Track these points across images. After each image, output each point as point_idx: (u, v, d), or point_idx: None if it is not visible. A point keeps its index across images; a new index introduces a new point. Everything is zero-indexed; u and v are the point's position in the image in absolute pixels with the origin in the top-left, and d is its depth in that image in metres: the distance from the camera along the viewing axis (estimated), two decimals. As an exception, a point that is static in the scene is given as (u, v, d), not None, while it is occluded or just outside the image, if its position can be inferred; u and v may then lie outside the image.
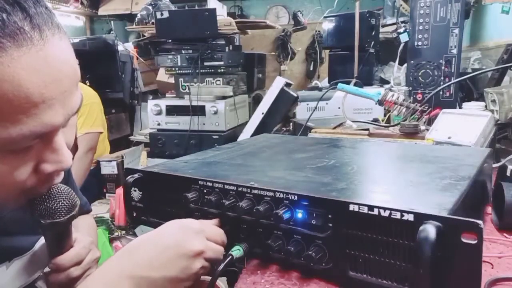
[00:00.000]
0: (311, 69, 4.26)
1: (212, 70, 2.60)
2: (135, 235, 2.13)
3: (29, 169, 0.49)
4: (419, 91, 1.67)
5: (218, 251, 0.59)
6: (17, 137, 0.44)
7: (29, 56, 0.43)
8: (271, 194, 0.59)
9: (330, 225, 0.54)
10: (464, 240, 0.44)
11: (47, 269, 0.68)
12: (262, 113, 1.99)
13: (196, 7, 3.23)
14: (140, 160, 2.61)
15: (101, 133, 2.41)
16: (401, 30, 1.79)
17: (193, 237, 0.56)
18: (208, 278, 0.60)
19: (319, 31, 3.96)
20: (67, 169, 0.54)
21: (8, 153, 0.46)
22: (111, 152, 2.69)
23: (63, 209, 0.57)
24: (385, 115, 1.63)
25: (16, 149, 0.47)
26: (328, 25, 2.70)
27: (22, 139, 0.45)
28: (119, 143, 3.33)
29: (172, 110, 2.57)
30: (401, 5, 2.53)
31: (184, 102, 2.52)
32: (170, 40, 2.68)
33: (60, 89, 0.46)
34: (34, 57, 0.43)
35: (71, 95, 0.49)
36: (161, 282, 0.53)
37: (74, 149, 2.38)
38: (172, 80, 2.86)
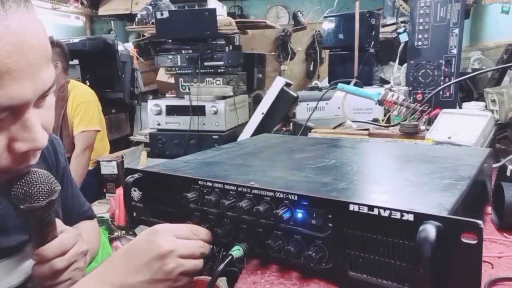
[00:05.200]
0: (311, 69, 4.26)
1: (212, 70, 2.61)
2: (135, 235, 2.13)
3: (1, 145, 0.49)
4: (419, 91, 1.67)
5: (192, 246, 0.61)
6: None
7: None
8: (271, 194, 0.59)
9: (330, 225, 0.54)
10: (464, 240, 0.44)
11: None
12: (262, 113, 1.99)
13: (196, 7, 3.24)
14: (140, 160, 2.61)
15: (98, 131, 2.41)
16: (401, 30, 1.78)
17: (160, 239, 0.59)
18: (208, 278, 0.60)
19: (319, 31, 3.97)
20: (41, 149, 0.54)
21: None
22: (111, 152, 2.69)
23: (41, 193, 0.57)
24: (385, 115, 1.63)
25: None
26: (328, 25, 2.70)
27: None
28: (119, 143, 3.33)
29: (172, 110, 2.57)
30: (401, 5, 2.53)
31: (184, 102, 2.52)
32: (170, 40, 2.68)
33: (26, 60, 0.45)
34: None
35: (40, 69, 0.48)
36: (139, 286, 0.57)
37: (71, 148, 2.39)
38: (172, 80, 2.86)
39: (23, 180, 0.56)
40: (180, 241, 0.60)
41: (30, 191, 0.56)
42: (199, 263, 0.61)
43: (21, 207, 0.56)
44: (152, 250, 0.57)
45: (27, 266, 0.68)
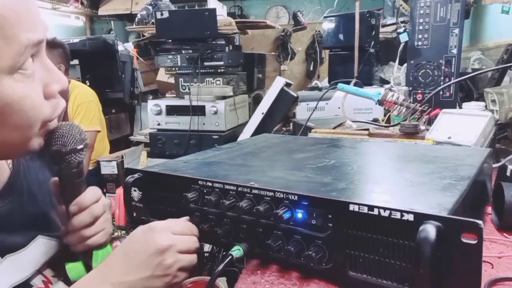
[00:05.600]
0: (311, 69, 4.27)
1: (212, 70, 2.61)
2: (135, 235, 2.13)
3: (40, 94, 0.55)
4: (419, 91, 1.67)
5: (189, 241, 0.63)
6: (20, 49, 0.50)
7: None
8: (271, 194, 0.59)
9: (330, 225, 0.54)
10: (464, 240, 0.44)
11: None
12: (262, 113, 1.99)
13: (196, 7, 3.24)
14: (140, 160, 2.61)
15: (98, 131, 2.41)
16: (401, 30, 1.78)
17: (158, 235, 0.61)
18: (208, 278, 0.60)
19: (319, 31, 3.97)
20: (66, 89, 0.60)
21: (23, 77, 0.52)
22: (111, 152, 2.69)
23: (77, 138, 0.64)
24: (385, 115, 1.63)
25: (25, 74, 0.52)
26: (328, 25, 2.70)
27: (26, 49, 0.51)
28: (119, 143, 3.33)
29: (172, 110, 2.57)
30: (401, 5, 2.53)
31: (184, 102, 2.52)
32: (170, 40, 2.68)
33: (32, 6, 0.53)
34: None
35: (39, 14, 0.55)
36: (140, 283, 0.59)
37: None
38: (172, 80, 2.86)
39: (58, 131, 0.62)
40: (177, 236, 0.62)
41: (68, 136, 0.63)
42: (194, 258, 0.63)
43: (64, 150, 0.62)
44: (151, 247, 0.59)
45: (33, 261, 0.68)
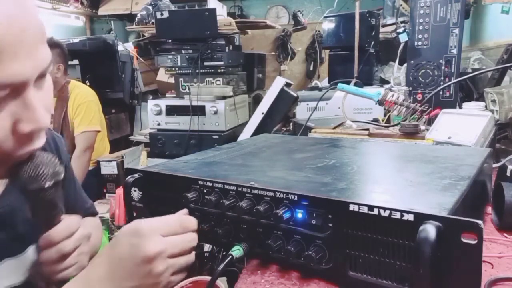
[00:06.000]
0: (311, 69, 4.26)
1: (212, 70, 2.61)
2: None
3: (6, 128, 0.49)
4: (419, 91, 1.67)
5: (182, 242, 0.56)
6: None
7: None
8: (271, 194, 0.59)
9: (330, 225, 0.54)
10: (464, 240, 0.44)
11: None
12: (262, 113, 1.99)
13: (196, 7, 3.24)
14: (140, 160, 2.61)
15: (99, 131, 2.41)
16: (400, 30, 1.79)
17: (145, 241, 0.53)
18: (208, 278, 0.60)
19: (319, 31, 3.97)
20: (44, 129, 0.55)
21: None
22: (111, 152, 2.69)
23: (47, 174, 0.59)
24: (385, 115, 1.63)
25: None
26: (328, 25, 2.70)
27: None
28: (119, 143, 3.33)
29: (172, 110, 2.57)
30: (401, 5, 2.53)
31: (184, 102, 2.52)
32: (170, 40, 2.68)
33: (25, 38, 0.46)
34: None
35: (37, 48, 0.49)
36: None
37: (72, 148, 2.39)
38: (172, 80, 2.86)
39: (29, 163, 0.58)
40: (168, 239, 0.55)
41: (37, 172, 0.58)
42: (190, 257, 0.57)
43: (29, 188, 0.58)
44: (137, 255, 0.52)
45: (29, 266, 0.68)
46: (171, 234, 0.56)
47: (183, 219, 0.59)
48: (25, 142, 0.53)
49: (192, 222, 0.59)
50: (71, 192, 0.87)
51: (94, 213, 0.97)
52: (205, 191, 0.67)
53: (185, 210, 0.63)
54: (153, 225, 0.55)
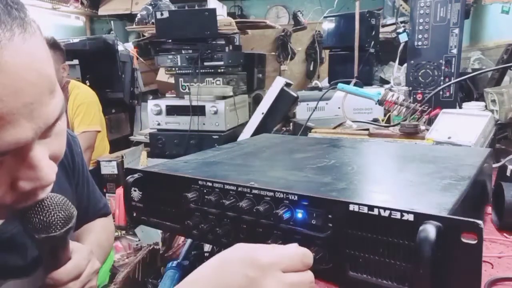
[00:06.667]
0: (311, 69, 4.26)
1: (212, 70, 2.61)
2: (135, 235, 2.13)
3: (3, 187, 0.44)
4: (419, 91, 1.67)
5: (303, 283, 0.46)
6: None
7: None
8: (271, 194, 0.59)
9: (330, 225, 0.54)
10: (464, 240, 0.44)
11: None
12: (262, 113, 1.99)
13: (196, 7, 3.24)
14: (140, 160, 2.61)
15: (99, 131, 2.41)
16: (400, 30, 1.79)
17: (266, 277, 0.43)
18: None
19: (319, 31, 3.97)
20: (48, 186, 0.48)
21: None
22: (111, 152, 2.69)
23: (58, 221, 0.52)
24: (385, 115, 1.63)
25: None
26: (328, 25, 2.70)
27: None
28: (119, 143, 3.32)
29: (172, 110, 2.57)
30: (401, 5, 2.53)
31: (184, 102, 2.52)
32: (170, 40, 2.68)
33: (23, 101, 0.40)
34: None
35: (41, 106, 0.42)
36: None
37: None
38: (172, 80, 2.86)
39: (37, 208, 0.51)
40: (289, 277, 0.45)
41: (47, 220, 0.51)
42: None
43: (37, 237, 0.52)
44: None
45: (33, 286, 0.66)
46: (291, 270, 0.46)
47: (305, 253, 0.48)
48: (26, 197, 0.48)
49: (311, 258, 0.48)
50: (84, 195, 0.86)
51: (106, 214, 0.95)
52: (205, 191, 0.66)
53: (295, 244, 0.50)
54: (274, 259, 0.45)
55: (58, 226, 0.52)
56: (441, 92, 1.62)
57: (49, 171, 0.46)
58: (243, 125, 2.39)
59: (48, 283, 0.60)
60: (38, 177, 0.45)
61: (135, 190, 0.76)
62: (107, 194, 2.38)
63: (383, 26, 2.76)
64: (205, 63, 2.59)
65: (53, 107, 0.44)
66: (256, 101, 2.91)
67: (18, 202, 0.47)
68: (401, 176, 0.70)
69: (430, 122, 1.30)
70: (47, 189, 0.50)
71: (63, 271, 0.60)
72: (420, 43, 1.65)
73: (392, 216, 0.48)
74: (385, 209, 0.49)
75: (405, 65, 1.80)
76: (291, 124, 1.97)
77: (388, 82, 2.39)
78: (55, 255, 0.59)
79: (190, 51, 2.62)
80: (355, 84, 1.89)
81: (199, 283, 0.45)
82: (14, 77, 0.39)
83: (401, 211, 0.48)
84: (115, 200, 2.18)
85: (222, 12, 2.82)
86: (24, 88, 0.40)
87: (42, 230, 0.51)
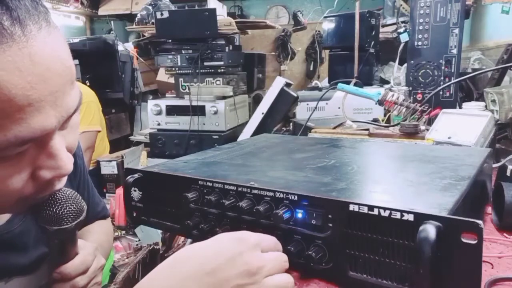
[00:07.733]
0: (311, 69, 4.26)
1: (212, 70, 2.61)
2: (135, 235, 2.13)
3: (24, 177, 0.46)
4: (419, 91, 1.67)
5: (279, 260, 0.51)
6: (1, 144, 0.40)
7: (9, 55, 0.39)
8: (271, 194, 0.59)
9: (330, 225, 0.54)
10: (464, 240, 0.44)
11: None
12: (262, 113, 1.99)
13: (196, 7, 3.24)
14: (140, 160, 2.61)
15: (99, 131, 2.41)
16: (401, 30, 1.79)
17: (250, 252, 0.48)
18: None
19: (319, 31, 3.97)
20: (66, 175, 0.51)
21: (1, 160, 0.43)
22: (111, 152, 2.69)
23: (70, 214, 0.55)
24: (385, 115, 1.63)
25: (6, 156, 0.43)
26: (328, 25, 2.70)
27: (8, 146, 0.41)
28: (119, 143, 3.33)
29: (172, 110, 2.57)
30: (401, 5, 2.53)
31: (184, 102, 2.52)
32: (170, 40, 2.68)
33: (49, 89, 0.42)
34: (16, 56, 0.39)
35: (64, 95, 0.45)
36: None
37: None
38: (172, 80, 2.86)
39: (50, 201, 0.54)
40: (266, 256, 0.49)
41: (59, 212, 0.54)
42: (289, 278, 0.51)
43: (50, 229, 0.54)
44: (240, 262, 0.46)
45: (38, 283, 0.67)
46: (268, 250, 0.51)
47: (276, 239, 0.53)
48: (45, 187, 0.50)
49: (280, 244, 0.54)
50: (84, 197, 0.86)
51: (105, 216, 0.96)
52: (205, 191, 0.67)
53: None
54: (257, 238, 0.50)
55: (69, 219, 0.55)
56: (441, 92, 1.62)
57: (67, 160, 0.49)
58: (243, 125, 2.40)
59: (56, 277, 0.61)
60: (58, 166, 0.48)
61: (135, 190, 0.76)
62: (107, 194, 2.39)
63: (383, 26, 2.75)
64: (205, 63, 2.59)
65: (73, 97, 0.47)
66: (256, 101, 2.91)
67: (36, 193, 0.49)
68: (401, 176, 0.70)
69: (430, 122, 1.30)
70: (63, 179, 0.53)
71: (71, 266, 0.62)
72: (420, 43, 1.65)
73: (392, 216, 0.48)
74: (385, 209, 0.49)
75: (405, 65, 1.80)
76: (291, 124, 1.96)
77: (388, 82, 2.39)
78: (64, 249, 0.61)
79: (190, 51, 2.62)
80: (355, 84, 1.89)
81: (190, 254, 0.48)
82: (42, 67, 0.42)
83: (401, 211, 0.48)
84: (115, 200, 2.18)
85: (222, 12, 2.82)
86: (51, 77, 0.43)
87: (54, 223, 0.54)
